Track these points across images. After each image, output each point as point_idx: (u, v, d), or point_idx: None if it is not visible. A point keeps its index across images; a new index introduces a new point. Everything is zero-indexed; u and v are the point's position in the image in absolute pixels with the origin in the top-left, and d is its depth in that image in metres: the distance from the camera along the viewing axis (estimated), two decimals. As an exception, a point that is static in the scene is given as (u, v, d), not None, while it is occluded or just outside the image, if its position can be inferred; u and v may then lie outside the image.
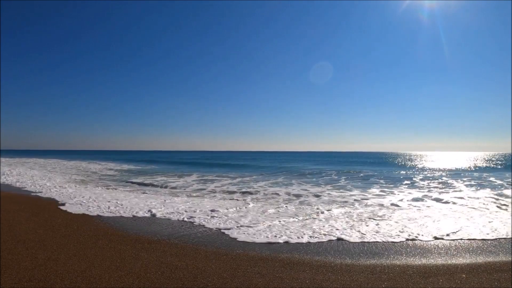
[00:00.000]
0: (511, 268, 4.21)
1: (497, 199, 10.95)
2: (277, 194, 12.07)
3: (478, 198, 11.22)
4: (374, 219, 7.37)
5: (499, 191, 13.13)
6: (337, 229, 6.36)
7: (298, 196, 11.62)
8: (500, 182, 17.36)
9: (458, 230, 6.33)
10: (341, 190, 13.37)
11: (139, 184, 15.84)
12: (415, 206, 9.53)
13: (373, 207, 9.21)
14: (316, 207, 9.16)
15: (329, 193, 12.30)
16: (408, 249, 5.12)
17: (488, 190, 13.68)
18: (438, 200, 10.89)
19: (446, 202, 10.34)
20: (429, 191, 13.49)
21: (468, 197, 11.61)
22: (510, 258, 4.66)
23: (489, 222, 7.16)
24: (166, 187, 14.55)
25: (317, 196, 11.60)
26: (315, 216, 7.77)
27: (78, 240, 5.29)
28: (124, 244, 5.16)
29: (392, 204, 9.83)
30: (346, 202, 10.28)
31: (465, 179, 19.44)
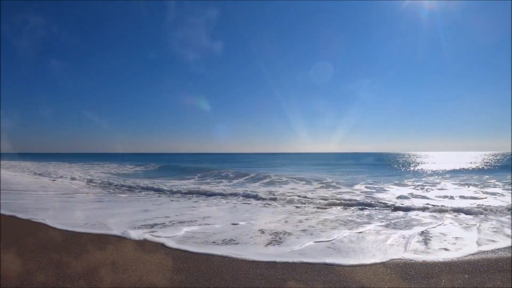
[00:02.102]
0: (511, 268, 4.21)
1: (496, 200, 10.97)
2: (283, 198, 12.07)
3: (479, 199, 11.25)
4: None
5: (499, 192, 13.15)
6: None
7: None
8: (499, 183, 17.37)
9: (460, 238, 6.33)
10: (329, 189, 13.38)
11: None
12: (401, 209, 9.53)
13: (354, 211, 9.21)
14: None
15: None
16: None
17: (487, 190, 13.69)
18: (430, 198, 10.90)
19: (443, 205, 10.35)
20: (416, 189, 13.51)
21: (466, 197, 11.64)
22: (510, 256, 4.66)
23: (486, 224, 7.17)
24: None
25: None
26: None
27: (79, 243, 5.28)
28: (126, 246, 5.15)
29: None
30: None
31: (465, 180, 19.46)
